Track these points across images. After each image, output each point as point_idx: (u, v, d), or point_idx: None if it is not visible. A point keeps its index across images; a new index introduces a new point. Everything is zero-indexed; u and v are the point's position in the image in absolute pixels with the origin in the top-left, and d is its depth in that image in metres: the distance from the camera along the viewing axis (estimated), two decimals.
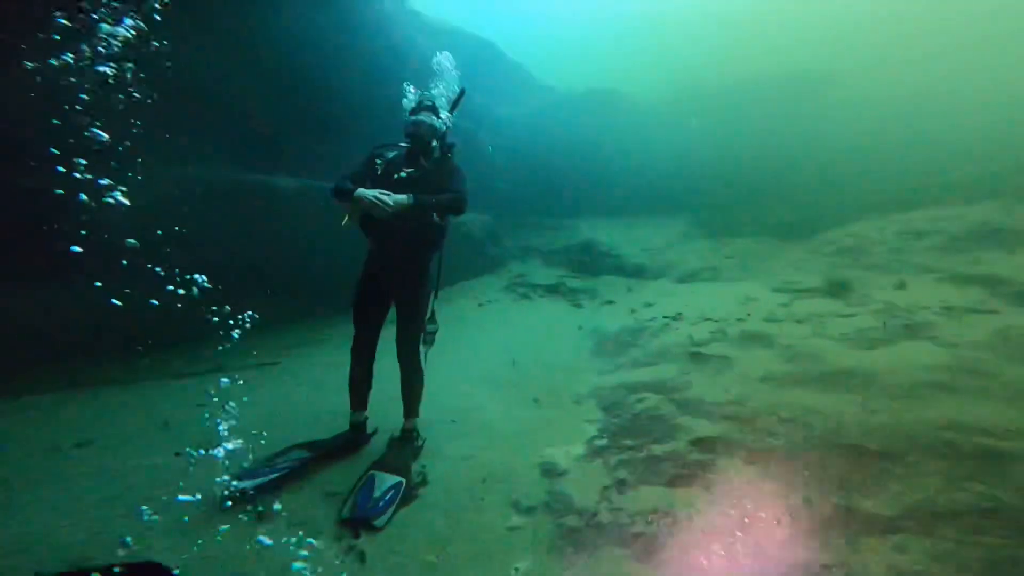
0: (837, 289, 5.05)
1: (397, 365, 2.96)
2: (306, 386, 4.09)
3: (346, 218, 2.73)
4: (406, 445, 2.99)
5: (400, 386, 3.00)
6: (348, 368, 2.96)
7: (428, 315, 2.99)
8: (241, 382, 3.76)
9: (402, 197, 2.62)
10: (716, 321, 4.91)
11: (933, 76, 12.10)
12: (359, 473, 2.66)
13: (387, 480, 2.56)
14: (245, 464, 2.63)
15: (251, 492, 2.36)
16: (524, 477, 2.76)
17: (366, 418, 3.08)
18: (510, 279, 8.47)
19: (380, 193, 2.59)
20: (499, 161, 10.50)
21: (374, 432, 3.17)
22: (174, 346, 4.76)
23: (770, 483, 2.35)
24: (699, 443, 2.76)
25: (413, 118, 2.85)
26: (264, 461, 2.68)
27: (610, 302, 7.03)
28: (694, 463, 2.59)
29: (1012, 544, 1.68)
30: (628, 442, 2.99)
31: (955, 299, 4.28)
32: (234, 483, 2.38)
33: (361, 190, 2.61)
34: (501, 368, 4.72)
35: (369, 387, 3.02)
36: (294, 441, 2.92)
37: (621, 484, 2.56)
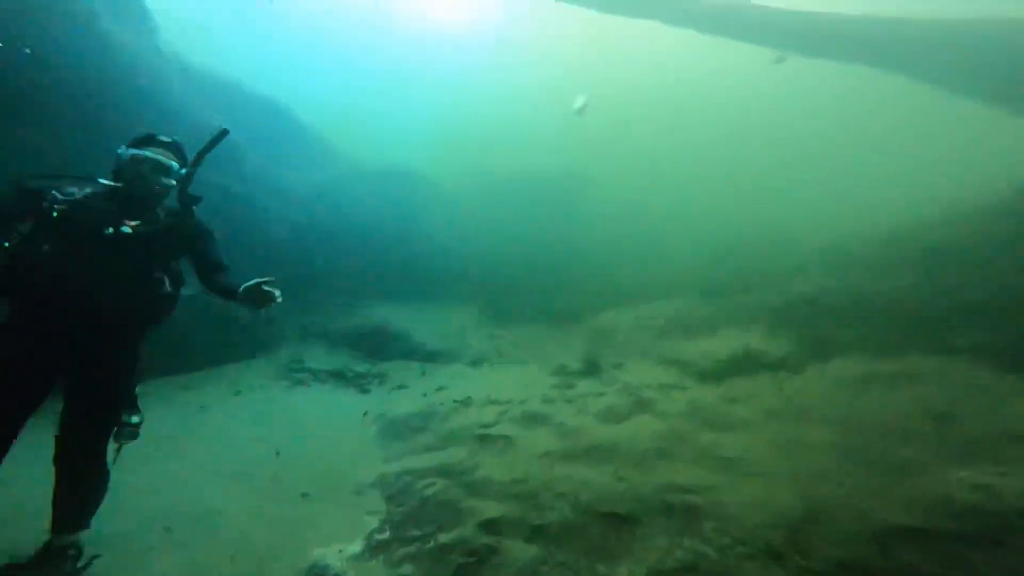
0: (593, 371, 6.05)
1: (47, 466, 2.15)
2: None
3: None
4: (56, 567, 2.12)
5: (64, 492, 2.18)
6: None
7: (131, 403, 2.29)
8: None
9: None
10: (501, 403, 5.19)
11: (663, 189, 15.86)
12: None
13: None
14: None
15: None
16: None
17: None
18: (284, 363, 7.26)
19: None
20: (279, 231, 9.44)
21: None
22: None
23: (548, 561, 2.42)
24: (486, 525, 2.71)
25: (134, 151, 2.17)
26: None
27: (402, 387, 6.75)
28: (481, 548, 2.51)
29: None
30: (414, 532, 2.76)
31: (664, 378, 5.60)
32: None
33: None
34: (260, 462, 3.90)
35: None
36: None
37: None
